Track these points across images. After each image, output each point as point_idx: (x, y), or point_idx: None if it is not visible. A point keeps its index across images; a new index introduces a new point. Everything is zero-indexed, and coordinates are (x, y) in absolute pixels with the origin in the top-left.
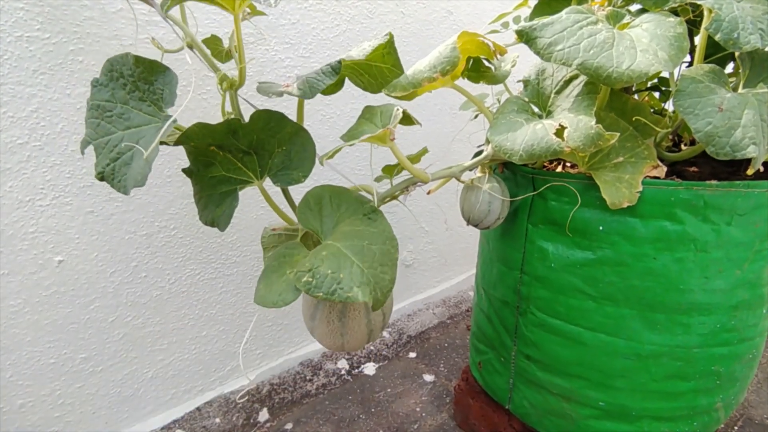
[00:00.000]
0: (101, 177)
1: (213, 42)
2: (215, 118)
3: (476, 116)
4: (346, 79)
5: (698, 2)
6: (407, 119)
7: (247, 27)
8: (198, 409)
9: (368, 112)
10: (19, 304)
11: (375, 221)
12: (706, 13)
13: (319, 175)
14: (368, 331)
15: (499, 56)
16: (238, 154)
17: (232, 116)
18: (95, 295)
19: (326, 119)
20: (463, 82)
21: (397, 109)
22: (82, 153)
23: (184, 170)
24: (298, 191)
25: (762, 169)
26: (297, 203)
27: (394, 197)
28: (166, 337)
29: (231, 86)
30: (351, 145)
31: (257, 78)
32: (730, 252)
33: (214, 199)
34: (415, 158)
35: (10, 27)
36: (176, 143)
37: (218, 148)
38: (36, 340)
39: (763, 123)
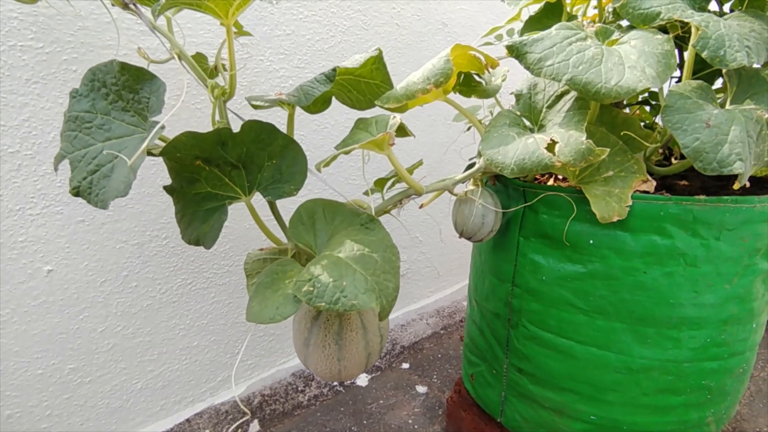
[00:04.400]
0: (76, 192)
1: (198, 60)
2: (206, 130)
3: (469, 128)
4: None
5: (686, 20)
6: (401, 130)
7: (240, 40)
8: (188, 420)
9: (362, 123)
10: (7, 314)
11: (373, 230)
12: (693, 30)
13: (309, 190)
14: (366, 354)
15: (490, 70)
16: (225, 168)
17: (222, 125)
18: (84, 305)
19: (320, 129)
20: (455, 96)
21: (394, 117)
22: (56, 169)
23: (165, 188)
24: (287, 209)
25: (748, 184)
26: (286, 221)
27: (386, 211)
28: (156, 347)
29: (222, 94)
30: (348, 152)
31: (251, 89)
32: (720, 266)
33: (199, 215)
34: (409, 171)
35: (4, 36)
36: (162, 153)
37: (205, 162)
38: (24, 351)
39: (750, 139)
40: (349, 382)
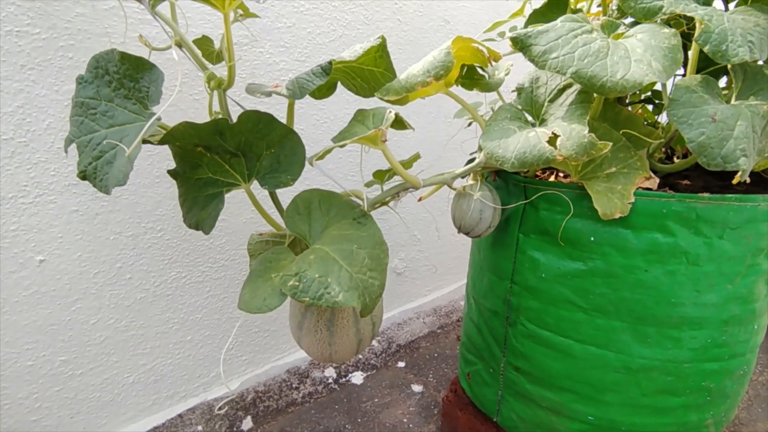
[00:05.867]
0: (83, 176)
1: (204, 43)
2: (206, 118)
3: (470, 123)
4: (339, 84)
5: (689, 14)
6: (400, 123)
7: (242, 29)
8: (180, 415)
9: (360, 115)
10: None
11: (365, 225)
12: (697, 24)
13: (310, 180)
14: (357, 341)
15: (493, 63)
16: (225, 155)
17: (220, 116)
18: (77, 296)
19: (320, 123)
20: (457, 90)
21: (390, 112)
22: (66, 152)
23: (169, 171)
24: (287, 196)
25: (749, 180)
26: (285, 207)
27: (384, 203)
28: (149, 341)
29: (219, 85)
30: (342, 146)
31: (251, 80)
32: (722, 266)
33: (200, 201)
34: (407, 164)
35: (0, 21)
36: (161, 142)
37: (205, 149)
38: (14, 341)
39: (755, 134)
40: (344, 380)
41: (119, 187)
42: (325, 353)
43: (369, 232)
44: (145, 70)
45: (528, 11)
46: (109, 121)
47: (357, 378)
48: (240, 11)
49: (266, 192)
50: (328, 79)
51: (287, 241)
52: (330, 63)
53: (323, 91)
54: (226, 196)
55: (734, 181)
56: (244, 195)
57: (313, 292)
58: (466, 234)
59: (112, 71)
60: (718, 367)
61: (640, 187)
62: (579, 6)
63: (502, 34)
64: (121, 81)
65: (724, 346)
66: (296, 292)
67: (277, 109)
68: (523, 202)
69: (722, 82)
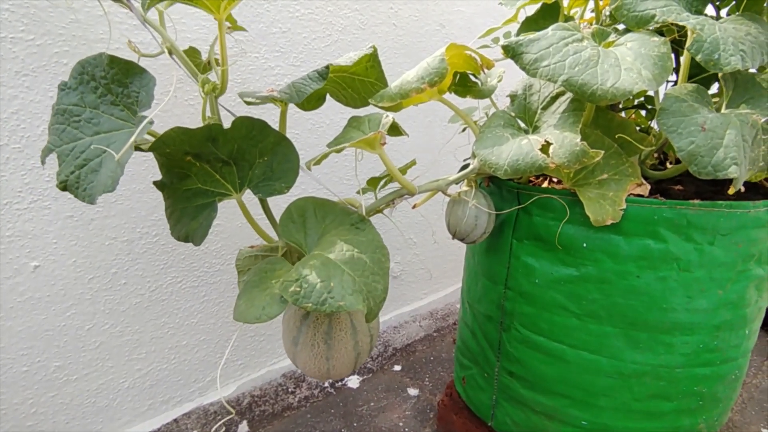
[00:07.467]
0: (63, 186)
1: (191, 54)
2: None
3: (464, 129)
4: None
5: (681, 23)
6: (394, 129)
7: (236, 35)
8: (176, 420)
9: (355, 121)
10: None
11: (363, 230)
12: (689, 33)
13: (304, 187)
14: (355, 354)
15: (486, 70)
16: (216, 164)
17: (213, 121)
18: (72, 302)
19: (315, 128)
20: (451, 96)
21: (386, 116)
22: (43, 162)
23: (155, 183)
24: (278, 207)
25: (743, 189)
26: (277, 218)
27: (379, 211)
28: (145, 346)
29: (213, 89)
30: (339, 150)
31: (245, 86)
32: (713, 272)
33: (189, 212)
34: (402, 171)
35: None
36: (151, 148)
37: (195, 158)
38: (9, 347)
39: (745, 143)
40: (340, 383)
41: (109, 193)
42: (322, 368)
43: (368, 237)
44: (135, 74)
45: (522, 17)
46: (95, 129)
47: (353, 382)
48: (228, 24)
49: (258, 203)
50: (321, 86)
51: (279, 253)
52: (327, 67)
53: (312, 103)
54: (220, 203)
55: (730, 191)
56: None
57: (315, 297)
58: (461, 240)
59: (99, 76)
60: (710, 372)
61: (631, 194)
62: (572, 12)
63: (496, 40)
64: (108, 86)
65: (715, 351)
66: (298, 298)
67: (271, 114)
68: (516, 208)
69: (714, 87)
